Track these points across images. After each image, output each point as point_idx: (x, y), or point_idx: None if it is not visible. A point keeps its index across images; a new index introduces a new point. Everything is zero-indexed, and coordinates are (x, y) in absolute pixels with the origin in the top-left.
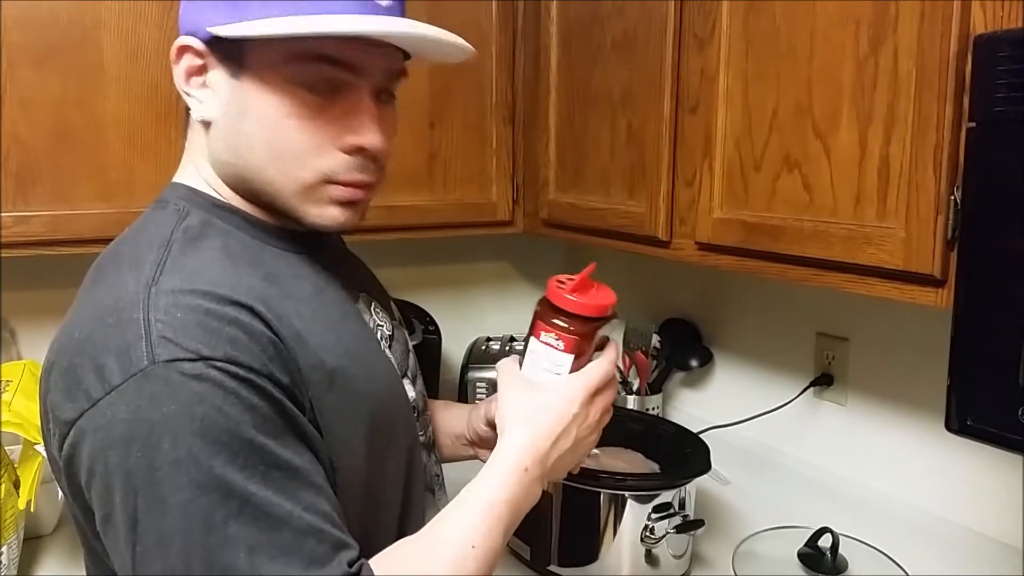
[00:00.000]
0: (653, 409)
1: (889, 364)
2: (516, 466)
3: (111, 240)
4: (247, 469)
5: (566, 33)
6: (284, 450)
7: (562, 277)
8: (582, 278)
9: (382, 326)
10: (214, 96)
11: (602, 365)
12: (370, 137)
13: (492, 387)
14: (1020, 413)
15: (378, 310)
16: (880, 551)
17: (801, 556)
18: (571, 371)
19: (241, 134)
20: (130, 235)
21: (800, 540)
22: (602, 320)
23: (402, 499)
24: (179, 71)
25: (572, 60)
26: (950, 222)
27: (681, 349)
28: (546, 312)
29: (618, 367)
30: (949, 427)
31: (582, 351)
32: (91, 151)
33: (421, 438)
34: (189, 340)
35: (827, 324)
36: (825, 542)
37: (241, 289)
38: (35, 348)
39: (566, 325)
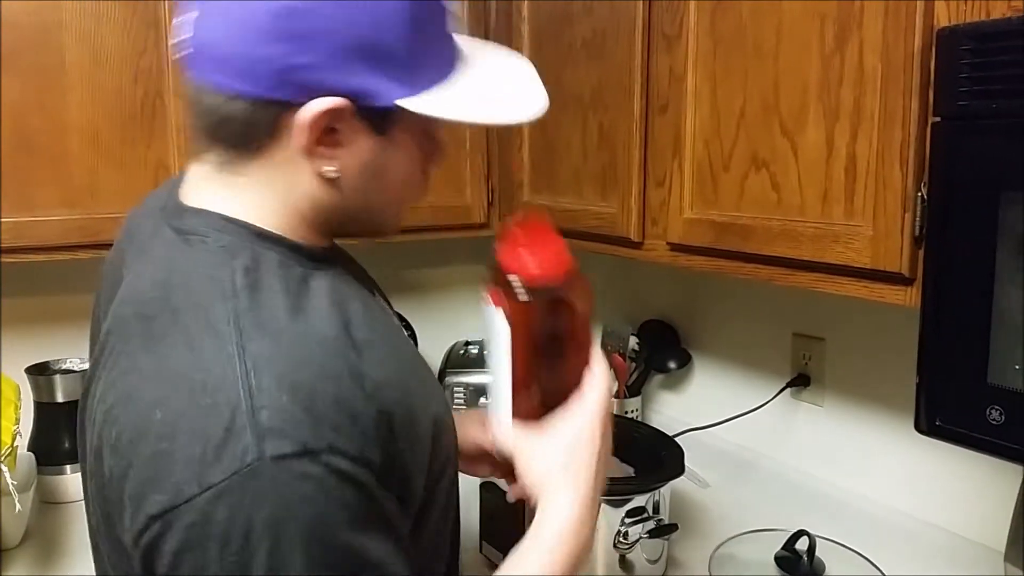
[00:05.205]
0: (632, 412)
1: (865, 364)
2: (572, 531)
3: (75, 247)
4: (335, 573)
5: (538, 33)
6: (371, 542)
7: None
8: (533, 226)
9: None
10: (349, 152)
11: (603, 377)
12: (441, 160)
13: (470, 392)
14: (988, 413)
15: (384, 304)
16: (857, 553)
17: (778, 559)
18: (511, 348)
19: (376, 185)
20: (174, 278)
21: (777, 543)
22: (543, 290)
23: (455, 515)
24: (313, 135)
25: (544, 60)
26: (917, 219)
27: (659, 351)
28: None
29: None
30: (919, 428)
31: (521, 324)
32: (53, 156)
33: None
34: (296, 430)
35: (803, 324)
36: (802, 545)
37: (329, 347)
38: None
39: (497, 282)
